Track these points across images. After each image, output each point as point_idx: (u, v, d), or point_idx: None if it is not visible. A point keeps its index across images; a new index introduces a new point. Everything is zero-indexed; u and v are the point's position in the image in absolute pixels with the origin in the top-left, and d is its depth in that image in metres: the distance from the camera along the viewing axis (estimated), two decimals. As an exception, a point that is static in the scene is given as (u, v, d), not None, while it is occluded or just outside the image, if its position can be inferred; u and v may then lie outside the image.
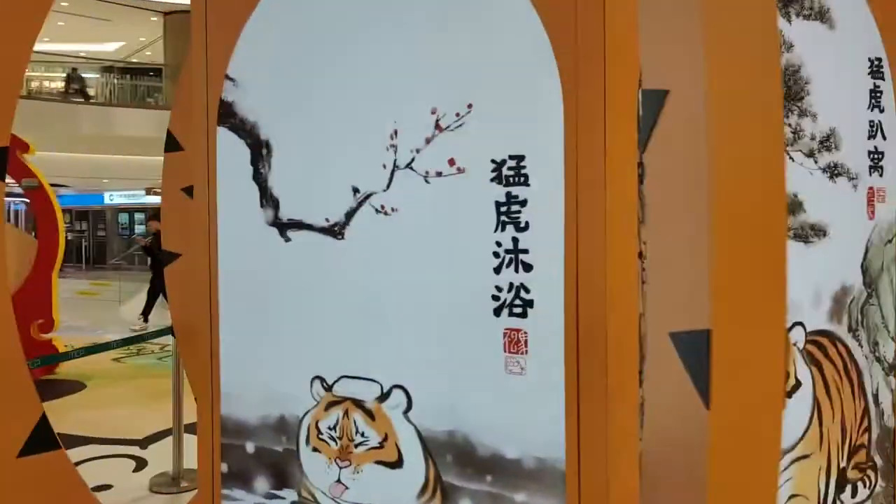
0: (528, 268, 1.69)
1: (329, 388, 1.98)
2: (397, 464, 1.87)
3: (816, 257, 1.98)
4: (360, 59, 1.90)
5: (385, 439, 1.89)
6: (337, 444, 1.96)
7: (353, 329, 1.94)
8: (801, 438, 1.99)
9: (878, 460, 2.16)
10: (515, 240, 1.70)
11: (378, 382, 1.90)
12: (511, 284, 1.71)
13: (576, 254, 1.63)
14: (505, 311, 1.72)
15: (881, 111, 2.13)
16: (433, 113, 1.79)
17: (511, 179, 1.70)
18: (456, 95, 1.76)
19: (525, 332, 1.70)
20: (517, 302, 1.71)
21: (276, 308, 2.06)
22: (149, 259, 11.00)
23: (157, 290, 10.52)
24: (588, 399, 1.63)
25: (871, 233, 2.12)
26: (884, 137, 2.13)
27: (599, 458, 1.62)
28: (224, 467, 2.17)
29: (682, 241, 0.97)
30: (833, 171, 2.02)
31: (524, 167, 1.69)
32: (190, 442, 4.20)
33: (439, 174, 1.79)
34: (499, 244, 1.72)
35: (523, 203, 1.69)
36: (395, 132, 1.85)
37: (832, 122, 2.00)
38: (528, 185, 1.68)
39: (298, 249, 2.01)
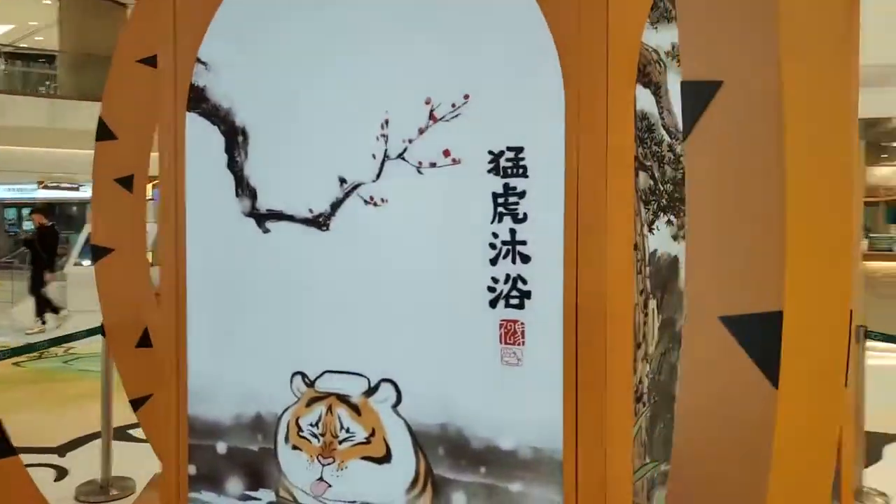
0: (525, 259, 1.70)
1: (311, 384, 1.92)
2: (385, 459, 1.84)
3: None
4: (347, 45, 1.86)
5: (372, 434, 1.86)
6: (319, 440, 1.91)
7: (338, 322, 1.89)
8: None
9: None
10: (513, 231, 1.71)
11: (365, 377, 1.86)
12: (508, 276, 1.71)
13: (576, 245, 1.65)
14: (501, 303, 1.72)
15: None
16: (427, 103, 1.77)
17: (509, 171, 1.71)
18: (452, 85, 1.75)
19: (522, 324, 1.71)
20: (514, 293, 1.71)
21: (253, 302, 1.98)
22: (31, 255, 10.32)
23: (39, 286, 9.92)
24: (586, 388, 1.65)
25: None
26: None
27: (597, 446, 1.64)
28: (192, 469, 2.07)
29: (734, 230, 1.00)
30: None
31: (523, 158, 1.69)
32: (119, 448, 3.98)
33: (433, 165, 1.77)
34: (495, 235, 1.72)
35: (521, 195, 1.70)
36: (386, 122, 1.81)
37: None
38: (526, 176, 1.69)
39: (278, 241, 1.94)
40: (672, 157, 1.76)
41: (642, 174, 1.68)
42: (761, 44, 0.93)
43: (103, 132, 3.47)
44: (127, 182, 3.46)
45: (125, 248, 3.46)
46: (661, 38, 1.73)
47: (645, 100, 1.69)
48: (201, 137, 2.02)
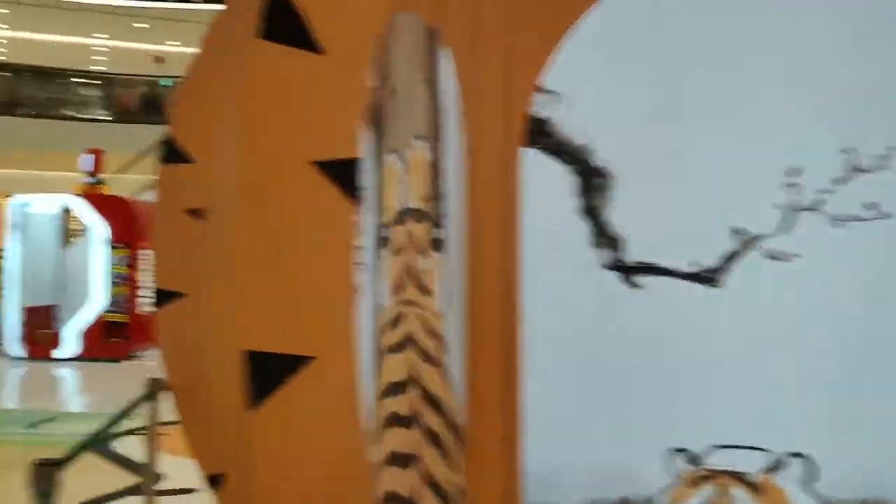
0: (967, 318, 1.62)
1: (698, 462, 1.69)
2: (788, 540, 1.66)
3: None
4: (745, 80, 1.67)
5: (774, 515, 1.67)
6: (705, 526, 1.68)
7: (729, 391, 1.68)
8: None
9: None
10: (953, 290, 1.62)
11: (768, 451, 1.67)
12: (948, 336, 1.62)
13: None
14: (940, 364, 1.62)
15: None
16: (844, 152, 1.64)
17: (949, 227, 1.62)
18: (871, 136, 1.63)
19: (965, 388, 1.62)
20: (954, 353, 1.62)
21: (617, 368, 1.71)
22: None
23: None
24: None
25: None
26: None
27: None
28: (523, 571, 1.73)
29: None
30: None
31: (966, 215, 1.62)
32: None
33: (856, 218, 1.64)
34: (932, 294, 1.63)
35: (964, 252, 1.62)
36: (794, 169, 1.65)
37: None
38: (970, 233, 1.62)
39: (651, 297, 1.70)
40: None
41: None
42: None
43: (173, 155, 2.88)
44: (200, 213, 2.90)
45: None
46: None
47: None
48: (541, 178, 1.72)
